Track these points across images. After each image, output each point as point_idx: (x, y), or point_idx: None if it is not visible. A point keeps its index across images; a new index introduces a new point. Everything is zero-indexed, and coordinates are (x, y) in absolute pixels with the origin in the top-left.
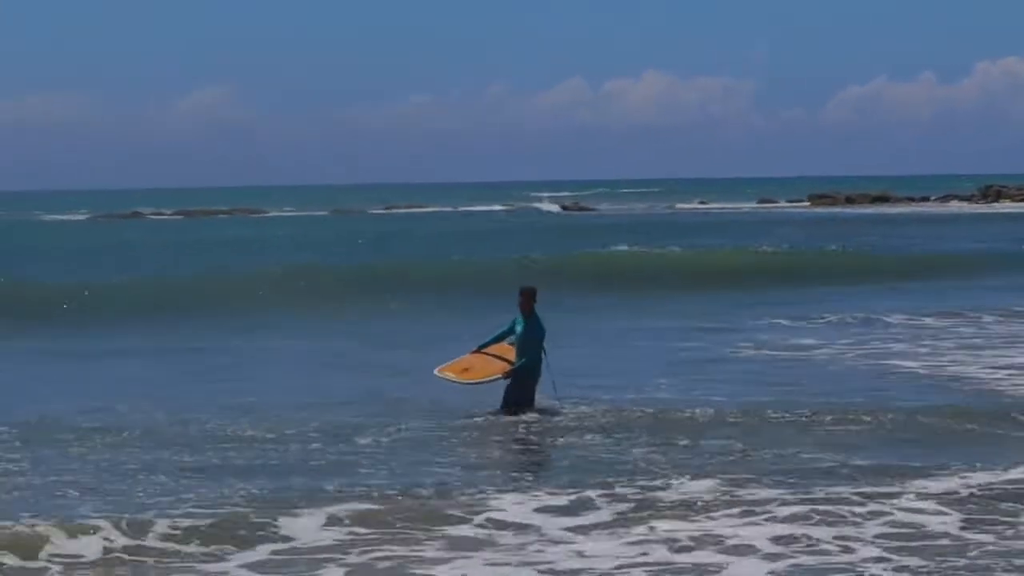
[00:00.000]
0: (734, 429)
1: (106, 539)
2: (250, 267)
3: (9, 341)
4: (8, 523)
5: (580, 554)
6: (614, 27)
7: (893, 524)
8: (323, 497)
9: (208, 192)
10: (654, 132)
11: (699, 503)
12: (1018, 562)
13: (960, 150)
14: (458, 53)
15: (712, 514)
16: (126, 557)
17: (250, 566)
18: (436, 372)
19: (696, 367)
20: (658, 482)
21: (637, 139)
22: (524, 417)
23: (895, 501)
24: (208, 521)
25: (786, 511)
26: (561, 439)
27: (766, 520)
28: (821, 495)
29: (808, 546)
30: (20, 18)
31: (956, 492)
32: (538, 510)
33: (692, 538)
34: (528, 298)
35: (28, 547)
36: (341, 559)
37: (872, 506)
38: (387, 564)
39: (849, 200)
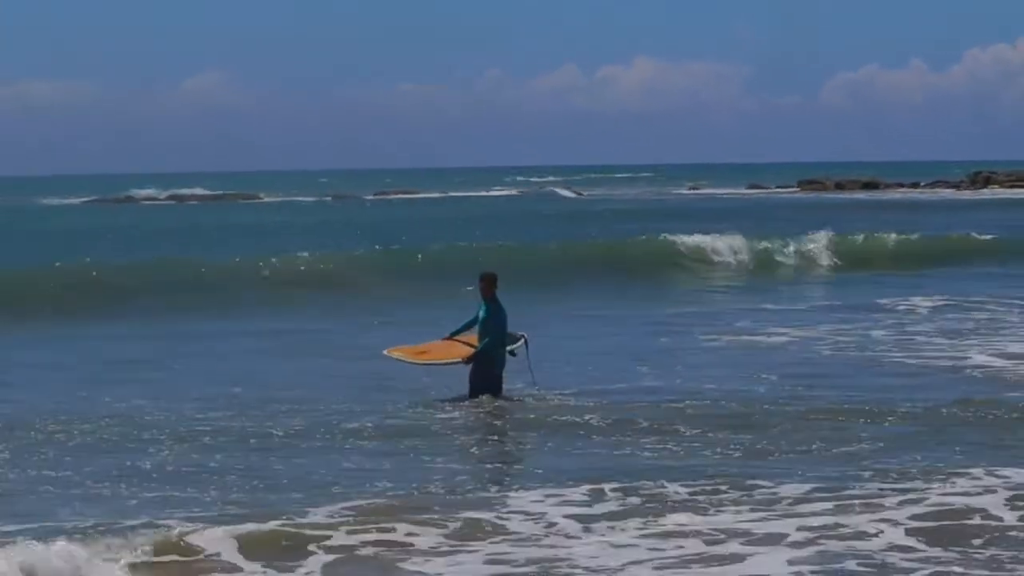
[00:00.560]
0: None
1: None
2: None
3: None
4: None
5: (610, 545)
6: (608, 13)
7: (924, 515)
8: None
9: (202, 177)
10: (646, 118)
11: (713, 496)
12: None
13: (950, 137)
14: (452, 39)
15: (728, 507)
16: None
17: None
18: (385, 352)
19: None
20: (668, 475)
21: (629, 124)
22: (504, 405)
23: (927, 489)
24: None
25: (811, 505)
26: (557, 431)
27: (785, 514)
28: (843, 486)
29: (834, 537)
30: (15, 3)
31: (990, 486)
32: (554, 505)
33: (716, 530)
34: (488, 283)
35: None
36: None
37: (897, 497)
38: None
39: (839, 186)
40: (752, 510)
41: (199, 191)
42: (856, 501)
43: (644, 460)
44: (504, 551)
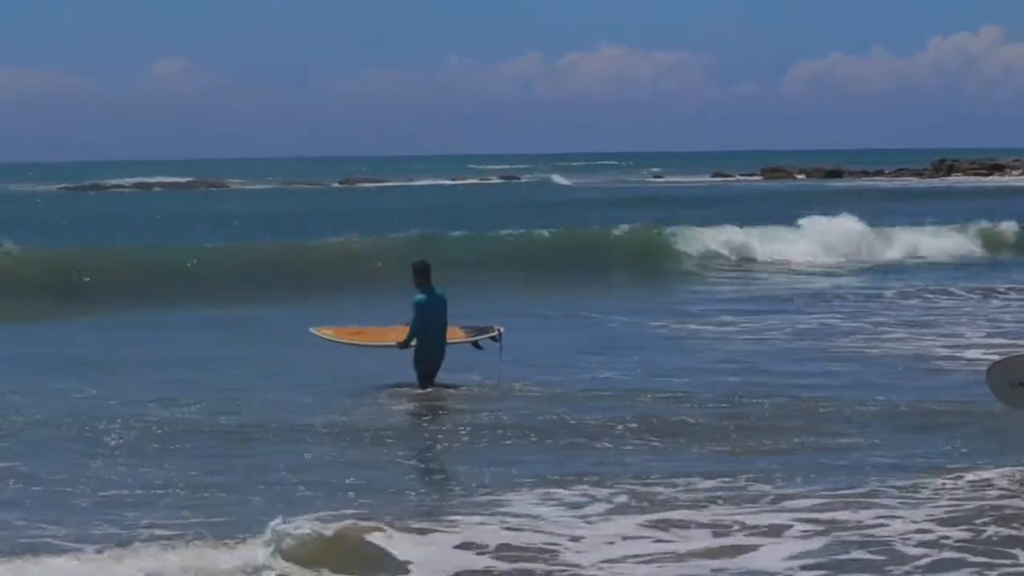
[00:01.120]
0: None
1: None
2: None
3: None
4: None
5: (608, 543)
6: (573, 1)
7: (934, 505)
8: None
9: (169, 164)
10: (609, 105)
11: (709, 491)
12: None
13: (913, 124)
14: (415, 26)
15: (724, 501)
16: None
17: None
18: (312, 330)
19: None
20: (660, 471)
21: (592, 112)
22: (465, 408)
23: (926, 483)
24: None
25: (807, 501)
26: (526, 429)
27: (783, 508)
28: (839, 478)
29: (839, 528)
30: None
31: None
32: (547, 505)
33: (718, 524)
34: (420, 272)
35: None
36: None
37: (896, 492)
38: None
39: (803, 173)
40: (750, 503)
41: (165, 179)
42: (857, 489)
43: (629, 457)
44: (517, 552)
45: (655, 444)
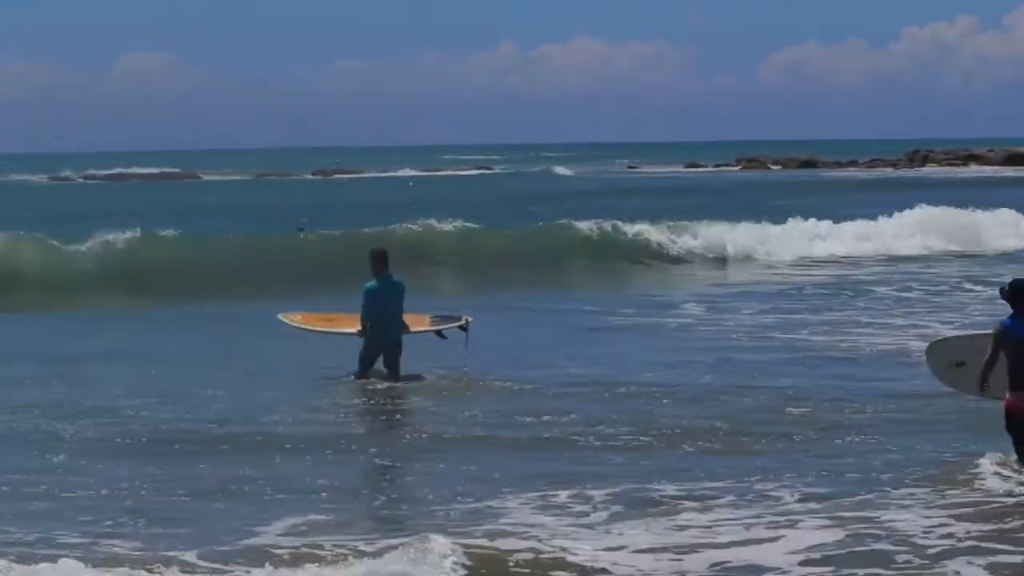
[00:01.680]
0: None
1: None
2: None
3: None
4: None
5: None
6: None
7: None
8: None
9: (142, 156)
10: (584, 97)
11: (711, 492)
12: None
13: (888, 115)
14: (389, 18)
15: (730, 503)
16: None
17: None
18: (280, 317)
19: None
20: (656, 473)
21: (566, 103)
22: (434, 405)
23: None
24: None
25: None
26: (508, 427)
27: (788, 506)
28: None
29: (858, 521)
30: None
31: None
32: (547, 514)
33: (717, 521)
34: (377, 259)
35: None
36: None
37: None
38: None
39: (777, 164)
40: (756, 501)
41: (138, 170)
42: (856, 479)
43: (619, 457)
44: (522, 556)
45: (646, 441)
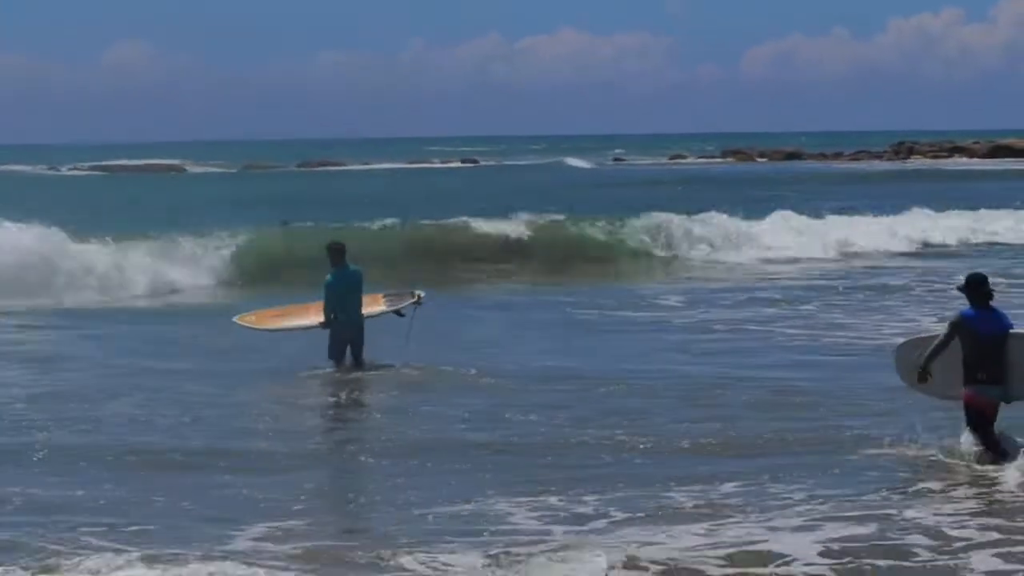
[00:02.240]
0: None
1: None
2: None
3: None
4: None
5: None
6: None
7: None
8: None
9: (124, 148)
10: (568, 88)
11: (720, 494)
12: None
13: (873, 107)
14: (374, 8)
15: (743, 506)
16: None
17: None
18: (235, 320)
19: None
20: (655, 473)
21: (551, 95)
22: (401, 397)
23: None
24: None
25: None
26: (491, 425)
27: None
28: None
29: (881, 518)
30: None
31: None
32: (546, 522)
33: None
34: (334, 252)
35: None
36: None
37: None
38: None
39: (763, 156)
40: (768, 502)
41: (125, 162)
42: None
43: (612, 456)
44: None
45: (642, 440)
